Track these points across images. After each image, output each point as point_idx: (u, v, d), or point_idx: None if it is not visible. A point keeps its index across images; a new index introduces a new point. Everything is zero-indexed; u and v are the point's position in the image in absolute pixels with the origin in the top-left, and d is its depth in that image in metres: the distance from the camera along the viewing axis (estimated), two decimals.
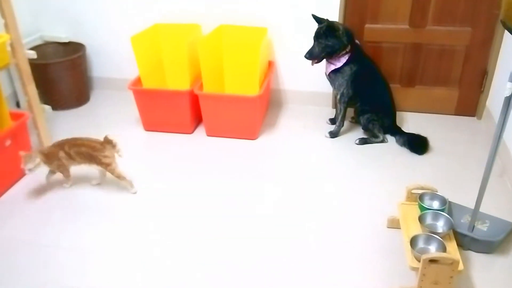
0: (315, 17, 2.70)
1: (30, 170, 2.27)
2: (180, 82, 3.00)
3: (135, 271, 1.95)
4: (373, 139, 2.87)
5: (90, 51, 3.51)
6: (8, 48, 2.41)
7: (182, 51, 2.85)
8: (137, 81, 2.98)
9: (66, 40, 3.47)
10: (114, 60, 3.50)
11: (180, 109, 2.91)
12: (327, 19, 2.63)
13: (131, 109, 3.21)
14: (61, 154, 2.38)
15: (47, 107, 2.97)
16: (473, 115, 3.12)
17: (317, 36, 2.67)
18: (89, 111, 3.36)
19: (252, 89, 2.80)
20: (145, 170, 2.64)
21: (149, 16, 3.23)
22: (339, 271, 1.92)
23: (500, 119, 1.74)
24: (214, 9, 3.12)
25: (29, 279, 1.91)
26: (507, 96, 1.69)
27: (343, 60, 2.72)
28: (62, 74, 3.25)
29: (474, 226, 2.00)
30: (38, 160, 2.30)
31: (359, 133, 2.95)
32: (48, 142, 2.76)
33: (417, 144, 2.76)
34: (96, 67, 3.59)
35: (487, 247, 1.98)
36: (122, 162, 2.68)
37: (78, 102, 3.42)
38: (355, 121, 3.03)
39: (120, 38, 3.36)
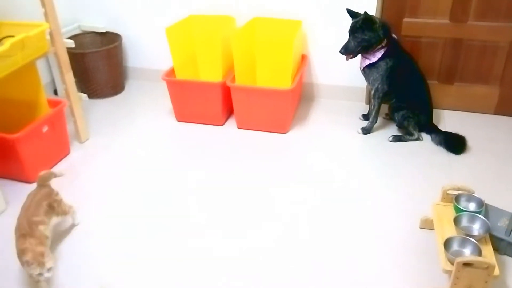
0: (349, 11, 2.64)
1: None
2: (212, 74, 3.01)
3: (163, 258, 1.98)
4: (408, 137, 2.79)
5: (126, 41, 3.56)
6: (47, 37, 2.47)
7: (216, 43, 2.85)
8: (171, 72, 3.01)
9: (103, 31, 3.53)
10: (149, 51, 3.55)
11: (212, 101, 2.92)
12: (365, 12, 2.56)
13: (164, 100, 3.25)
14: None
15: (84, 95, 3.04)
16: None
17: (353, 30, 2.60)
18: (123, 100, 3.42)
19: (284, 83, 2.78)
20: (176, 160, 2.67)
21: (184, 8, 3.25)
22: (369, 272, 1.89)
23: None
24: (248, 2, 3.10)
25: (68, 264, 1.96)
26: None
27: (379, 54, 2.66)
28: (98, 63, 3.32)
29: (511, 231, 1.92)
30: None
31: (392, 130, 2.88)
32: (83, 129, 2.84)
33: (454, 144, 2.66)
34: (131, 58, 3.64)
35: None
36: (154, 153, 2.73)
37: (113, 91, 3.49)
38: (389, 117, 2.96)
39: (155, 30, 3.40)
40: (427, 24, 2.88)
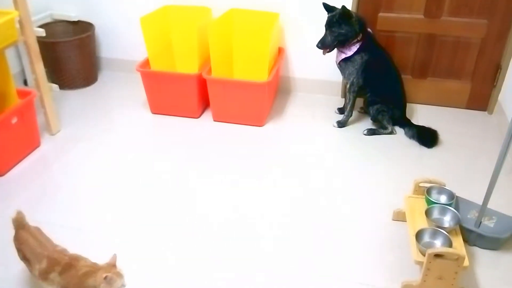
0: (326, 5, 2.64)
1: None
2: (188, 66, 2.97)
3: (134, 253, 1.95)
4: (382, 131, 2.83)
5: (99, 31, 3.48)
6: (17, 25, 2.39)
7: (192, 34, 2.81)
8: (146, 63, 2.95)
9: (76, 19, 3.44)
10: (123, 41, 3.47)
11: (188, 93, 2.88)
12: (343, 6, 2.56)
13: (139, 91, 3.19)
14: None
15: (55, 86, 2.96)
16: (484, 110, 3.07)
17: (330, 24, 2.61)
18: (96, 91, 3.35)
19: (261, 75, 2.76)
20: (150, 153, 2.63)
21: None
22: (342, 263, 1.91)
23: None
24: None
25: None
26: None
27: (354, 48, 2.67)
28: (70, 53, 3.23)
29: (481, 222, 1.97)
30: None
31: (367, 123, 2.92)
32: (54, 120, 2.76)
33: (427, 137, 2.71)
34: (104, 48, 3.56)
35: (494, 243, 1.96)
36: (128, 146, 2.68)
37: (85, 82, 3.40)
38: (364, 111, 2.99)
39: (129, 19, 3.32)
40: (402, 19, 2.92)
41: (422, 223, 1.87)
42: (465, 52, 2.92)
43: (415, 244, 1.75)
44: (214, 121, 2.95)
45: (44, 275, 1.58)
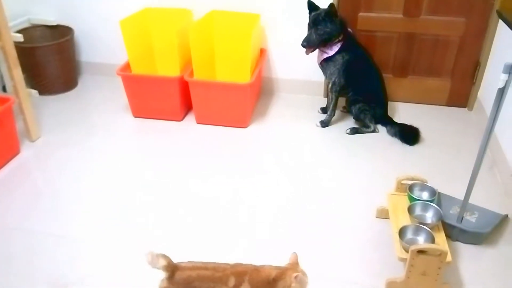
0: (310, 4, 2.64)
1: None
2: (170, 68, 2.95)
3: (124, 257, 1.92)
4: (364, 129, 2.85)
5: (78, 35, 3.43)
6: None
7: (172, 36, 2.80)
8: (126, 67, 2.92)
9: (54, 24, 3.39)
10: (103, 44, 3.43)
11: (170, 96, 2.86)
12: (331, 4, 2.56)
13: (120, 95, 3.16)
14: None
15: (34, 92, 2.91)
16: (464, 106, 3.11)
17: (315, 22, 2.60)
18: (76, 96, 3.30)
19: (243, 77, 2.76)
20: (132, 157, 2.60)
21: (139, 0, 3.15)
22: (327, 261, 1.91)
23: (492, 110, 1.72)
24: None
25: (19, 265, 1.87)
26: (500, 88, 1.67)
27: (336, 48, 2.69)
28: (49, 58, 3.18)
29: (463, 218, 1.99)
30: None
31: (350, 122, 2.93)
32: (34, 127, 2.71)
33: (408, 135, 2.74)
34: (84, 52, 3.52)
35: (476, 238, 1.98)
36: (110, 151, 2.65)
37: (65, 87, 3.35)
38: (347, 110, 3.01)
39: (109, 22, 3.29)
40: (381, 18, 2.94)
41: (405, 220, 1.88)
42: (444, 50, 2.96)
43: (398, 241, 1.76)
44: (197, 123, 2.93)
45: None
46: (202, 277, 1.49)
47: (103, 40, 3.41)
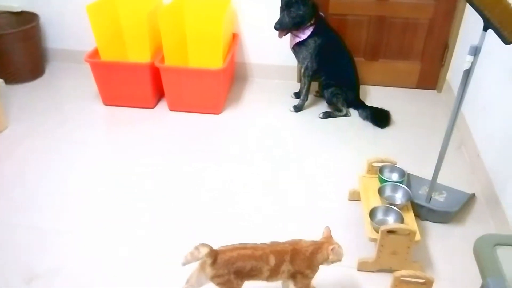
0: None
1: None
2: (140, 54, 2.89)
3: (97, 248, 1.90)
4: (337, 113, 2.87)
5: (44, 21, 3.32)
6: None
7: (142, 21, 2.74)
8: (95, 53, 2.85)
9: (19, 10, 3.26)
10: (70, 31, 3.33)
11: (141, 83, 2.81)
12: None
13: (90, 83, 3.08)
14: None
15: (0, 81, 2.81)
16: (433, 88, 3.17)
17: (288, 4, 2.59)
18: (44, 84, 3.21)
19: (215, 62, 2.73)
20: (104, 146, 2.56)
21: None
22: None
23: (459, 91, 1.76)
24: None
25: None
26: (466, 69, 1.70)
27: (308, 32, 2.69)
28: (14, 45, 3.08)
29: (431, 197, 2.05)
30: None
31: (323, 107, 2.95)
32: (1, 117, 2.63)
33: (380, 118, 2.78)
34: (51, 39, 3.41)
35: (444, 217, 2.04)
36: (80, 140, 2.60)
37: (32, 75, 3.26)
38: (320, 95, 3.02)
39: (75, 7, 3.18)
40: (352, 2, 2.95)
41: (375, 201, 1.92)
42: (414, 33, 2.99)
43: (369, 222, 1.79)
44: (170, 110, 2.90)
45: (276, 270, 1.54)
46: (243, 256, 1.51)
47: (70, 26, 3.31)
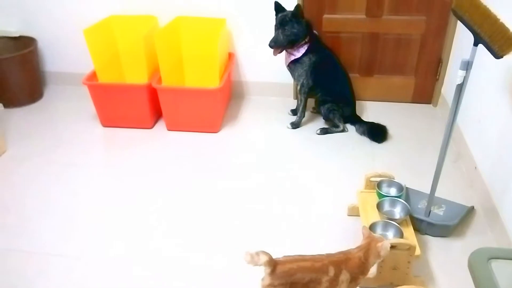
0: (277, 5, 2.66)
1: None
2: (137, 76, 2.92)
3: (95, 271, 1.89)
4: (334, 129, 2.89)
5: (42, 45, 3.36)
6: None
7: (138, 43, 2.77)
8: (92, 76, 2.88)
9: (17, 35, 3.31)
10: (68, 54, 3.37)
11: (138, 104, 2.83)
12: (298, 5, 2.60)
13: (88, 105, 3.11)
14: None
15: None
16: (429, 103, 3.20)
17: (282, 23, 2.63)
18: (42, 107, 3.23)
19: (212, 82, 2.76)
20: (102, 168, 2.57)
21: (103, 8, 3.12)
22: None
23: (452, 105, 1.78)
24: (171, 1, 3.04)
25: None
26: (458, 84, 1.73)
27: (303, 50, 2.72)
28: (12, 70, 3.11)
29: (430, 211, 2.05)
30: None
31: (320, 123, 2.97)
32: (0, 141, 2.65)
33: (377, 133, 2.80)
34: (49, 62, 3.45)
35: (443, 231, 2.04)
36: (79, 162, 2.61)
37: (31, 99, 3.28)
38: (316, 111, 3.05)
39: (73, 31, 3.23)
40: (345, 20, 3.00)
41: (374, 216, 1.92)
42: (407, 48, 3.04)
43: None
44: (168, 130, 2.91)
45: (335, 281, 1.56)
46: (303, 268, 1.52)
47: (68, 49, 3.35)
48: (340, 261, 1.57)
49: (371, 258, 1.58)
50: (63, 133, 2.90)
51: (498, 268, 0.73)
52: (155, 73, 2.90)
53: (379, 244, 1.56)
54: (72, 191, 2.38)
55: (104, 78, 2.87)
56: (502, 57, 1.55)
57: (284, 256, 1.55)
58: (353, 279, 1.58)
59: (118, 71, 3.07)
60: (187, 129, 2.89)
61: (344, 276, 1.56)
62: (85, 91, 3.02)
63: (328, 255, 1.60)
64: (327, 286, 1.55)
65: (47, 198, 2.32)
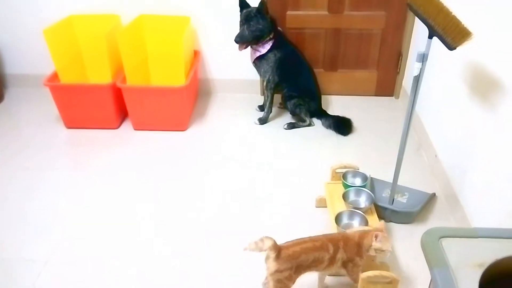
0: (242, 1, 2.68)
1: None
2: (101, 75, 2.88)
3: (63, 276, 1.86)
4: (301, 123, 2.94)
5: (1, 47, 3.26)
6: None
7: (101, 43, 2.73)
8: (54, 77, 2.82)
9: None
10: (28, 55, 3.29)
11: (103, 104, 2.79)
12: (262, 1, 2.62)
13: (50, 107, 3.04)
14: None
15: None
16: (391, 95, 3.30)
17: (247, 18, 2.65)
18: (3, 111, 3.14)
19: (178, 80, 2.75)
20: (68, 170, 2.52)
21: (63, 7, 3.05)
22: None
23: (410, 96, 1.85)
24: None
25: None
26: (415, 75, 1.80)
27: (268, 46, 2.76)
28: None
29: (394, 199, 2.12)
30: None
31: (287, 118, 3.01)
32: None
33: (342, 126, 2.86)
34: (8, 64, 3.35)
35: (407, 217, 2.11)
36: (43, 165, 2.55)
37: None
38: (283, 106, 3.09)
39: (32, 32, 3.15)
40: (308, 16, 3.05)
41: (340, 206, 1.97)
42: (369, 43, 3.12)
43: (335, 227, 1.84)
44: (135, 130, 2.89)
45: (334, 258, 1.59)
46: (306, 249, 1.56)
47: (28, 50, 3.26)
48: (337, 239, 1.61)
49: (365, 242, 1.61)
50: (26, 136, 2.82)
51: (448, 245, 0.78)
52: (119, 72, 2.86)
53: (376, 233, 1.60)
54: (35, 195, 2.32)
55: (66, 78, 2.81)
56: (455, 48, 1.62)
57: (285, 242, 1.59)
58: (350, 260, 1.61)
59: (81, 71, 3.02)
60: (154, 128, 2.87)
61: (340, 255, 1.60)
62: (47, 92, 2.95)
63: (325, 235, 1.64)
64: (327, 264, 1.59)
65: (13, 203, 2.26)
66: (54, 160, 2.60)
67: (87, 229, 2.10)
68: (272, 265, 1.52)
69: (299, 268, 1.55)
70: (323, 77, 3.21)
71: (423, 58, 1.74)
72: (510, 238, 0.81)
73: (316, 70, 3.02)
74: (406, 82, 3.14)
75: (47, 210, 2.22)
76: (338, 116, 2.92)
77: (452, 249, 0.76)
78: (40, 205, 2.25)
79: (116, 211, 2.22)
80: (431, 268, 0.75)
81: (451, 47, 1.63)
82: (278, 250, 1.52)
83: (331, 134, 2.85)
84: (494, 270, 0.76)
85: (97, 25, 2.95)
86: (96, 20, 2.97)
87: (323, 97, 3.08)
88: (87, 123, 2.87)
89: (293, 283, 1.57)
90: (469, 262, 0.75)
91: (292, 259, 1.53)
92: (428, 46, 1.72)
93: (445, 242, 0.77)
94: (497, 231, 0.81)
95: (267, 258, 1.53)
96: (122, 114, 2.95)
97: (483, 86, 1.90)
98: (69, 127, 2.90)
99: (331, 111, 3.03)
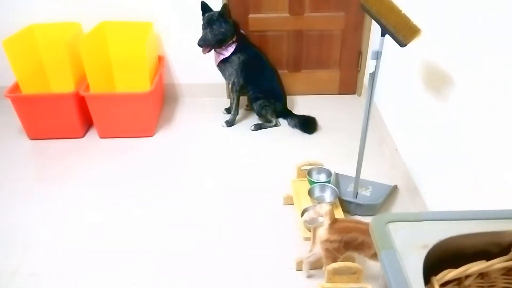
0: (204, 4, 2.71)
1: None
2: (64, 85, 2.85)
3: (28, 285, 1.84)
4: (267, 124, 2.99)
5: None
6: None
7: (62, 51, 2.71)
8: (15, 87, 2.77)
9: None
10: None
11: (66, 113, 2.76)
12: (225, 4, 2.65)
13: (12, 118, 2.98)
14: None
15: None
16: (354, 93, 3.39)
17: (210, 22, 2.68)
18: None
19: (143, 86, 2.75)
20: (32, 183, 2.48)
21: (23, 17, 3.00)
22: (239, 251, 1.99)
23: (367, 93, 1.92)
24: (93, 6, 2.99)
25: None
26: (371, 73, 1.87)
27: (231, 49, 2.79)
28: None
29: (357, 193, 2.19)
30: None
31: (254, 119, 3.06)
32: None
33: (307, 125, 2.93)
34: None
35: (371, 210, 2.18)
36: (6, 178, 2.50)
37: None
38: (249, 108, 3.13)
39: None
40: (270, 18, 3.11)
41: (306, 202, 2.03)
42: (330, 43, 3.20)
43: (301, 223, 1.89)
44: (101, 138, 2.87)
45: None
46: (358, 228, 1.62)
47: None
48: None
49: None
50: None
51: (395, 229, 0.83)
52: (82, 80, 2.84)
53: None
54: (4, 209, 2.28)
55: (28, 89, 2.77)
56: (406, 45, 1.69)
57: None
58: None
59: (43, 81, 2.97)
60: (121, 135, 2.86)
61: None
62: (8, 104, 2.90)
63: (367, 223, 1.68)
64: (371, 251, 1.64)
65: None
66: (19, 172, 2.55)
67: (53, 241, 2.08)
68: (324, 233, 1.59)
69: (348, 245, 1.61)
70: (287, 78, 3.27)
71: (377, 55, 1.81)
72: (452, 220, 0.87)
73: (280, 71, 3.08)
74: (367, 79, 3.23)
75: (14, 223, 2.18)
76: (303, 116, 2.99)
77: (398, 232, 0.82)
78: (7, 218, 2.21)
79: (83, 220, 2.20)
80: (378, 250, 0.80)
81: (402, 44, 1.70)
82: (333, 218, 1.59)
83: (297, 133, 2.91)
84: (438, 250, 0.82)
85: (58, 34, 2.91)
86: (57, 29, 2.94)
87: (288, 97, 3.14)
88: (51, 134, 2.83)
89: (341, 255, 1.62)
90: (415, 244, 0.81)
91: (343, 232, 1.60)
92: (381, 44, 1.80)
93: (392, 226, 0.82)
94: (440, 214, 0.88)
95: (319, 226, 1.59)
96: (87, 123, 2.93)
97: (435, 80, 1.99)
98: (32, 138, 2.85)
99: (297, 111, 3.09)
